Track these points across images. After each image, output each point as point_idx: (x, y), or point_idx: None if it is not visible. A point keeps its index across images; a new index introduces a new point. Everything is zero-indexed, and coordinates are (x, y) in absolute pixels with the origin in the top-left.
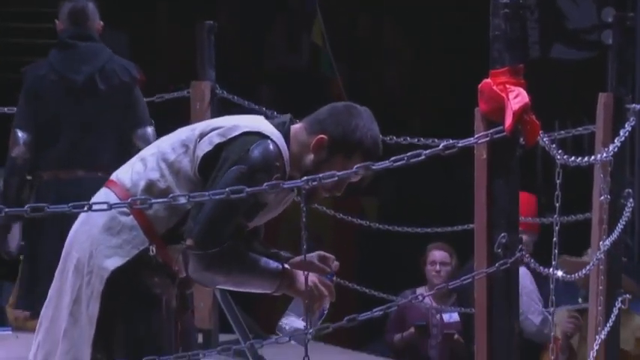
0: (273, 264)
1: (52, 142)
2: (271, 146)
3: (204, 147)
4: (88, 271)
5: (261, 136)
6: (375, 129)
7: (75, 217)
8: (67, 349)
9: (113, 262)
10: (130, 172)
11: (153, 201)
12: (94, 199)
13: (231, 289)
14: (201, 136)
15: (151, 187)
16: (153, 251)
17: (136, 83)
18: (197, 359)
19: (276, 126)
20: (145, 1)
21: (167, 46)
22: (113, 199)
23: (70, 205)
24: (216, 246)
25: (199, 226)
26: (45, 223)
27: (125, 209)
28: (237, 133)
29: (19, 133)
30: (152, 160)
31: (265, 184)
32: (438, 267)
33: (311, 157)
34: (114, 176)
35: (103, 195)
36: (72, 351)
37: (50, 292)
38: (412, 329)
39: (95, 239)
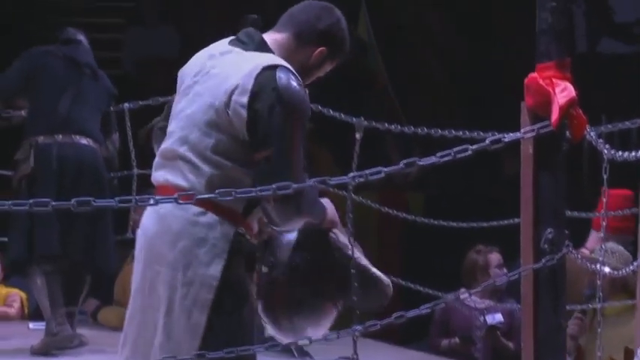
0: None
1: (51, 109)
2: (283, 73)
3: (241, 113)
4: (185, 282)
5: (270, 68)
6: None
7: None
8: None
9: (216, 268)
10: (182, 175)
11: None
12: (160, 210)
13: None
14: (226, 106)
15: (212, 181)
16: (242, 230)
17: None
18: (250, 354)
19: (259, 47)
20: None
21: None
22: (181, 206)
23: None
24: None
25: (278, 175)
26: (43, 182)
27: (201, 209)
28: (252, 80)
29: None
30: (195, 155)
31: (312, 180)
32: (498, 270)
33: (304, 63)
34: (163, 182)
35: (169, 205)
36: None
37: (130, 310)
38: (457, 339)
39: (184, 249)
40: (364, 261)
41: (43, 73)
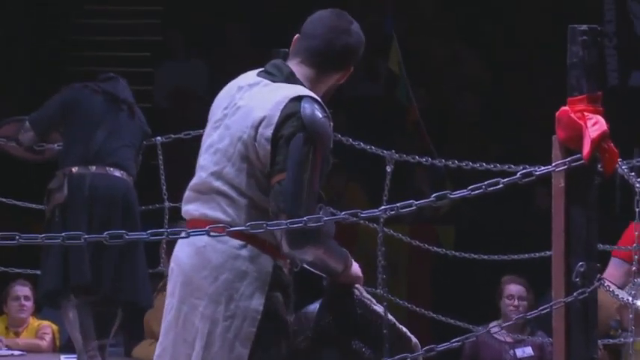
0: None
1: (86, 141)
2: (308, 103)
3: (265, 147)
4: (228, 315)
5: (296, 99)
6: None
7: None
8: None
9: (259, 301)
10: (221, 209)
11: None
12: (198, 243)
13: (311, 267)
14: (254, 139)
15: (250, 214)
16: (280, 263)
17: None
18: None
19: (287, 79)
20: (221, 30)
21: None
22: (221, 240)
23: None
24: (310, 212)
25: (289, 198)
26: (76, 210)
27: (242, 242)
28: (278, 112)
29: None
30: (230, 189)
31: (343, 213)
32: (516, 302)
33: (333, 85)
34: (199, 216)
35: (209, 240)
36: None
37: (162, 343)
38: None
39: (226, 282)
40: (391, 317)
41: (80, 107)
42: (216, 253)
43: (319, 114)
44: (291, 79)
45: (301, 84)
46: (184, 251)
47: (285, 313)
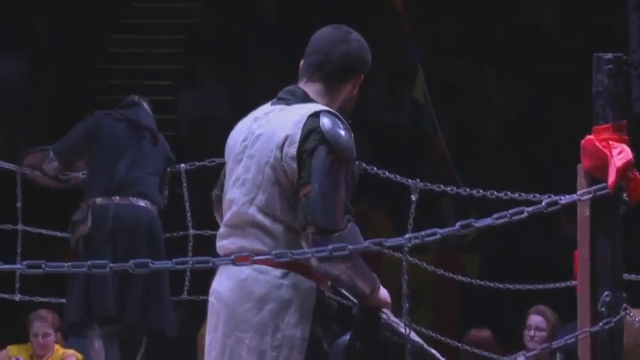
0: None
1: (109, 171)
2: (327, 117)
3: (292, 165)
4: (275, 345)
5: (315, 115)
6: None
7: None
8: None
9: (305, 329)
10: (259, 240)
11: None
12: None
13: (338, 284)
14: (280, 159)
15: (288, 240)
16: (323, 287)
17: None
18: None
19: (302, 99)
20: (245, 58)
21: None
22: (262, 270)
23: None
24: (339, 223)
25: (317, 210)
26: (100, 242)
27: (284, 270)
28: (299, 130)
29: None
30: (264, 216)
31: (367, 242)
32: (532, 332)
33: (346, 96)
34: (236, 249)
35: (251, 272)
36: None
37: None
38: None
39: (272, 312)
40: (418, 339)
41: (103, 136)
42: (258, 284)
43: (339, 126)
44: (306, 99)
45: (315, 102)
46: (225, 285)
47: (328, 340)
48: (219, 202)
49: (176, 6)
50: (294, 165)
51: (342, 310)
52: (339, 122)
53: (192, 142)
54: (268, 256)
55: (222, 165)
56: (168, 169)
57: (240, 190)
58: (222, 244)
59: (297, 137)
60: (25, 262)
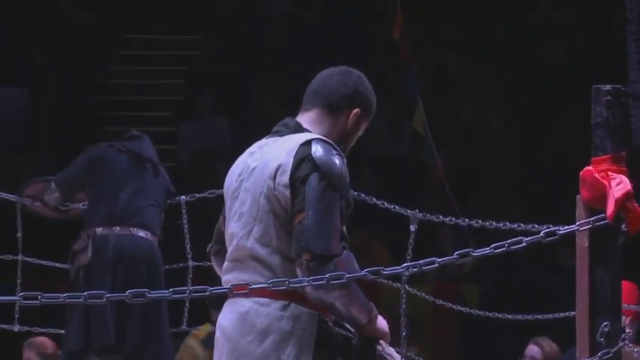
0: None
1: (110, 202)
2: (319, 144)
3: (285, 194)
4: None
5: (307, 143)
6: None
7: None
8: None
9: (307, 358)
10: (258, 273)
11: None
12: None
13: (334, 312)
14: (273, 189)
15: (286, 268)
16: (324, 317)
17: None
18: None
19: (295, 130)
20: (245, 89)
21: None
22: (263, 303)
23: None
24: (334, 249)
25: (311, 236)
26: (100, 271)
27: (285, 302)
28: (291, 159)
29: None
30: (261, 247)
31: (365, 270)
32: None
33: (342, 130)
34: (241, 282)
35: (252, 305)
36: None
37: None
38: None
39: (273, 344)
40: None
41: (105, 166)
42: (260, 317)
43: (331, 153)
44: (299, 129)
45: (309, 131)
46: (228, 318)
47: None
48: (216, 255)
49: (176, 38)
50: (287, 193)
51: (347, 340)
52: (332, 149)
53: (192, 173)
54: (264, 285)
55: (222, 197)
56: (169, 201)
57: (237, 224)
58: (226, 279)
59: (290, 166)
60: (21, 294)
